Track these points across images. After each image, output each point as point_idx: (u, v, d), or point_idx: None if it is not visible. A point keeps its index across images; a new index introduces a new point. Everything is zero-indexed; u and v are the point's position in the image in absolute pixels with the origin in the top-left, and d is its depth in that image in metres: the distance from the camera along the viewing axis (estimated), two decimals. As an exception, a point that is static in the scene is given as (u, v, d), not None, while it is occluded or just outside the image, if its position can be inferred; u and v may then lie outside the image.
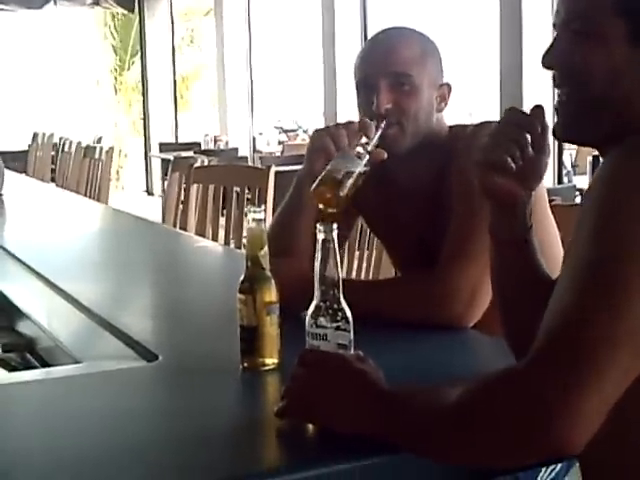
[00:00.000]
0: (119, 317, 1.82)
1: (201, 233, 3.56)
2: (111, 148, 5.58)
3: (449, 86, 1.85)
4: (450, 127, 1.88)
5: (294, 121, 11.48)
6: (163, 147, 10.04)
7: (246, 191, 3.48)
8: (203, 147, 9.33)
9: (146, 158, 11.92)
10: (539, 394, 0.98)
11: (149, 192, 11.75)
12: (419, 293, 1.69)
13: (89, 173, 5.77)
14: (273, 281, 1.42)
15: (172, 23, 12.34)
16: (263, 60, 10.87)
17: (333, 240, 1.27)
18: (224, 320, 1.52)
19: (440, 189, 1.81)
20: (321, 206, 1.54)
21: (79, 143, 6.36)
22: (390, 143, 1.74)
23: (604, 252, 1.04)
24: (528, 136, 1.27)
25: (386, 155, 1.71)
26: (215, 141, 9.48)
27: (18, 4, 11.13)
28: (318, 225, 1.28)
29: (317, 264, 1.28)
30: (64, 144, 6.86)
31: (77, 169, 6.11)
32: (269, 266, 1.42)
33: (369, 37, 1.94)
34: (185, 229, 3.65)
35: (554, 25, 1.25)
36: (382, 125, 1.71)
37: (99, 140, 7.68)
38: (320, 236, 1.27)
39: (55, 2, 11.29)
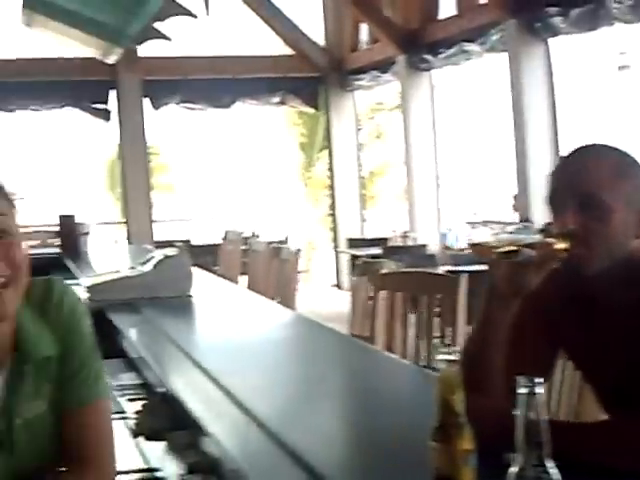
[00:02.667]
0: (302, 443, 1.74)
1: (389, 343, 3.50)
2: (298, 250, 5.63)
3: None
4: None
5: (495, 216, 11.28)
6: (351, 242, 10.09)
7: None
8: (391, 243, 9.27)
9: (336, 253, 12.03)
10: None
11: (339, 286, 11.83)
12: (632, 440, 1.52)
13: (277, 272, 5.85)
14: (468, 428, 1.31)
15: (357, 120, 12.48)
16: (448, 154, 10.85)
17: (538, 394, 1.14)
18: (418, 460, 1.39)
19: None
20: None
21: (268, 243, 6.48)
22: (576, 263, 1.64)
23: None
24: None
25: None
26: (403, 237, 9.40)
27: (207, 103, 11.67)
28: (520, 378, 1.15)
29: (520, 422, 1.15)
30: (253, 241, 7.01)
31: (265, 267, 6.23)
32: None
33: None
34: (372, 336, 3.58)
35: None
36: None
37: (286, 240, 7.80)
38: (523, 390, 1.14)
39: (243, 101, 11.78)
